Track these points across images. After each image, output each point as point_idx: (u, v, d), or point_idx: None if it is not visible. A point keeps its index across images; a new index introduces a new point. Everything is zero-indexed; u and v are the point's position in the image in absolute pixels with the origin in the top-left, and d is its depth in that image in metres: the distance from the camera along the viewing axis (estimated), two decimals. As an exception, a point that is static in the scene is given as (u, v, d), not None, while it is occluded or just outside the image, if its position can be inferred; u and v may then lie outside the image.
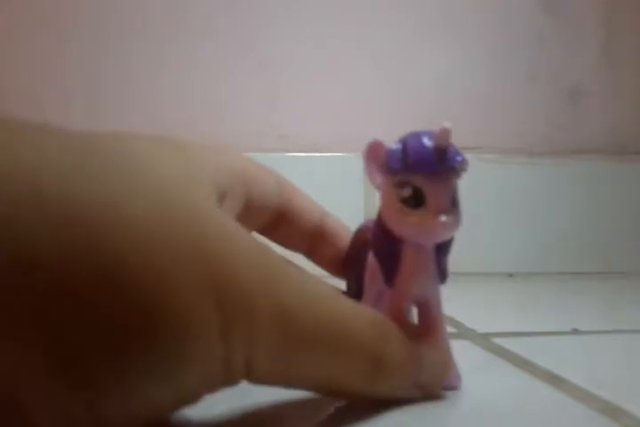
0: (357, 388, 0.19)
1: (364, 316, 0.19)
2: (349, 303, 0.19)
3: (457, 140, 0.19)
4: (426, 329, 0.21)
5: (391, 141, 0.20)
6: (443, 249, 0.21)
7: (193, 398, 0.16)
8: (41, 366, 0.13)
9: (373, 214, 0.22)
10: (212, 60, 0.54)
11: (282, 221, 0.25)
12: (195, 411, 0.18)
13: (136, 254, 0.14)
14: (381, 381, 0.19)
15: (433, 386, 0.21)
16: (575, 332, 0.33)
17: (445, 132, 0.19)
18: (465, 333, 0.33)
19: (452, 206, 0.20)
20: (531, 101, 0.57)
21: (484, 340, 0.31)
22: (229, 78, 0.54)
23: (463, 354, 0.23)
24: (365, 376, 0.19)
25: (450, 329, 0.33)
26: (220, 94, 0.54)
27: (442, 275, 0.21)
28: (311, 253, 0.26)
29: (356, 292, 0.24)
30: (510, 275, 0.54)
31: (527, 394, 0.23)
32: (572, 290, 0.49)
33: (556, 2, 0.57)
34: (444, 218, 0.19)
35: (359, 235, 0.25)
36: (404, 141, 0.20)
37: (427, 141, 0.19)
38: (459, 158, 0.19)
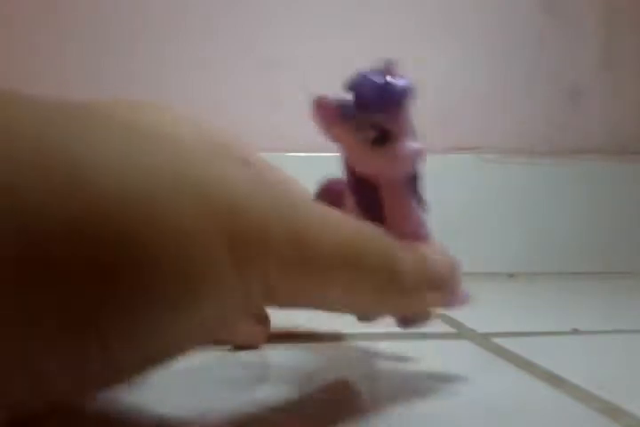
0: (374, 301, 0.19)
1: (373, 232, 0.19)
2: (358, 222, 0.19)
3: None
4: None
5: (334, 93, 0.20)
6: (414, 181, 0.21)
7: (211, 330, 0.16)
8: (46, 308, 0.13)
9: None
10: (213, 60, 0.54)
11: None
12: (193, 408, 0.18)
13: (143, 203, 0.14)
14: (395, 291, 0.20)
15: (447, 289, 0.22)
16: (575, 332, 0.33)
17: (391, 66, 0.19)
18: (465, 333, 0.33)
19: (413, 132, 0.20)
20: (531, 101, 0.57)
21: (484, 340, 0.31)
22: (229, 78, 0.54)
23: (463, 354, 0.23)
24: (381, 287, 0.19)
25: (450, 329, 0.34)
26: (220, 94, 0.54)
27: (422, 205, 0.22)
28: None
29: None
30: (510, 275, 0.54)
31: (527, 394, 0.23)
32: (572, 290, 0.49)
33: (556, 2, 0.57)
34: (415, 144, 0.20)
35: (323, 196, 0.25)
36: (353, 85, 0.20)
37: (374, 79, 0.19)
38: (404, 83, 0.19)
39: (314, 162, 0.53)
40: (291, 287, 0.17)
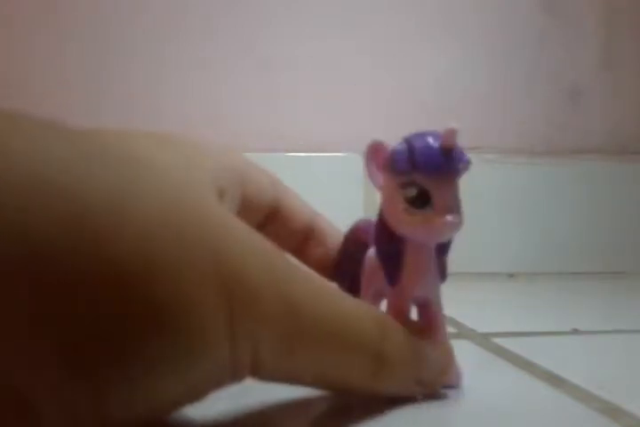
0: (359, 384, 0.19)
1: (367, 312, 0.19)
2: (352, 300, 0.19)
3: (457, 140, 0.19)
4: (427, 327, 0.21)
5: (391, 141, 0.20)
6: (443, 248, 0.21)
7: (199, 394, 0.16)
8: (49, 360, 0.13)
9: (373, 214, 0.22)
10: (212, 60, 0.54)
11: (272, 219, 0.25)
12: (194, 410, 0.18)
13: (144, 250, 0.14)
14: (383, 377, 0.19)
15: (433, 384, 0.21)
16: (575, 332, 0.33)
17: (452, 133, 0.19)
18: (465, 333, 0.33)
19: (456, 206, 0.20)
20: (531, 101, 0.57)
21: (484, 340, 0.31)
22: (229, 78, 0.54)
23: (463, 354, 0.23)
24: (367, 372, 0.19)
25: (450, 329, 0.33)
26: (220, 94, 0.54)
27: (442, 274, 0.21)
28: (299, 253, 0.26)
29: (350, 291, 0.24)
30: (510, 275, 0.54)
31: (527, 394, 0.23)
32: (572, 290, 0.49)
33: (556, 2, 0.57)
34: (450, 218, 0.19)
35: (353, 235, 0.25)
36: (408, 142, 0.20)
37: (433, 142, 0.19)
38: (464, 159, 0.19)
39: (314, 162, 0.53)
40: (278, 361, 0.17)
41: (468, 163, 0.19)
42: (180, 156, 0.19)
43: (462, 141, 0.19)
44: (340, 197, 0.49)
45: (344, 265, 0.25)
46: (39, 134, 0.14)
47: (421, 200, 0.19)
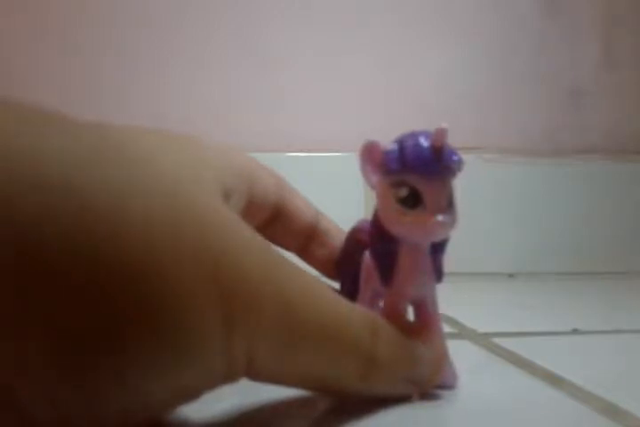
0: (352, 385, 0.19)
1: (358, 314, 0.19)
2: (345, 302, 0.19)
3: (457, 140, 0.19)
4: (422, 327, 0.21)
5: (389, 142, 0.20)
6: (438, 248, 0.21)
7: (193, 395, 0.16)
8: (39, 358, 0.12)
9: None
10: (213, 60, 0.54)
11: (276, 218, 0.25)
12: (193, 409, 0.18)
13: (140, 248, 0.13)
14: (375, 378, 0.19)
15: (427, 384, 0.21)
16: (575, 332, 0.33)
17: (442, 133, 0.19)
18: (465, 333, 0.33)
19: (449, 206, 0.20)
20: (531, 101, 0.57)
21: (484, 340, 0.31)
22: (230, 78, 0.54)
23: (463, 354, 0.23)
24: (359, 374, 0.19)
25: (450, 329, 0.34)
26: (220, 94, 0.54)
27: (438, 274, 0.21)
28: (303, 252, 0.26)
29: (350, 292, 0.24)
30: (510, 275, 0.54)
31: (527, 394, 0.23)
32: (572, 290, 0.49)
33: (556, 2, 0.57)
34: (440, 217, 0.19)
35: (353, 235, 0.25)
36: (400, 142, 0.20)
37: (423, 141, 0.19)
38: (455, 158, 0.19)
39: (314, 162, 0.53)
40: (272, 362, 0.17)
41: (459, 162, 0.19)
42: (185, 153, 0.19)
43: (462, 141, 0.19)
44: (340, 197, 0.49)
45: (345, 266, 0.25)
46: (42, 129, 0.14)
47: (413, 200, 0.19)
